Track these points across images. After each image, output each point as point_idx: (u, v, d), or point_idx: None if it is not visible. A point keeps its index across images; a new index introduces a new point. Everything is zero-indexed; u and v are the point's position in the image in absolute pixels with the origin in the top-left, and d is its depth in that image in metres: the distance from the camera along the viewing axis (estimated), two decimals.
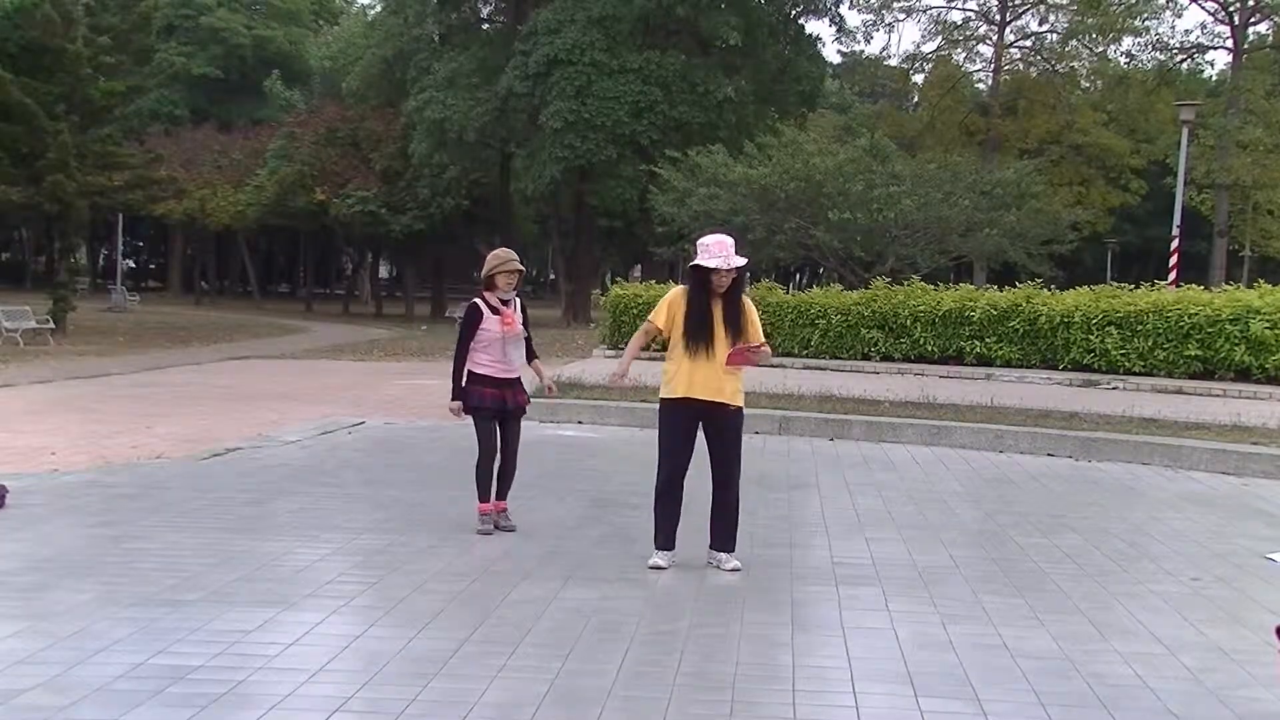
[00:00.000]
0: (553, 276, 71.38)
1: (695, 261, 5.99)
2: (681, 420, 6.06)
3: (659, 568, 6.05)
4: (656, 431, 6.24)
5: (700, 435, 6.15)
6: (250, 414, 12.62)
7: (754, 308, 6.16)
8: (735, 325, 5.96)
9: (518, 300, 7.01)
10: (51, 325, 26.44)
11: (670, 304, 6.11)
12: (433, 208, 42.99)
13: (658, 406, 6.23)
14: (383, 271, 72.90)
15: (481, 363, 6.89)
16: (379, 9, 49.66)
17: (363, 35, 50.98)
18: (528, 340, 7.02)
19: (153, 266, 77.92)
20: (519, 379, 7.03)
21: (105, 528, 6.67)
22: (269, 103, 57.40)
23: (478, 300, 6.94)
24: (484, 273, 6.93)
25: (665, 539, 6.16)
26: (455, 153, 40.33)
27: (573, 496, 8.13)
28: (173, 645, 4.58)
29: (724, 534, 6.16)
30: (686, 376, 5.99)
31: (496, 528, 6.90)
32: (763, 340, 6.10)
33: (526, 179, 39.59)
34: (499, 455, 6.94)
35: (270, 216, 47.77)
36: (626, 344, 6.41)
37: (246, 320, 40.28)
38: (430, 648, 4.66)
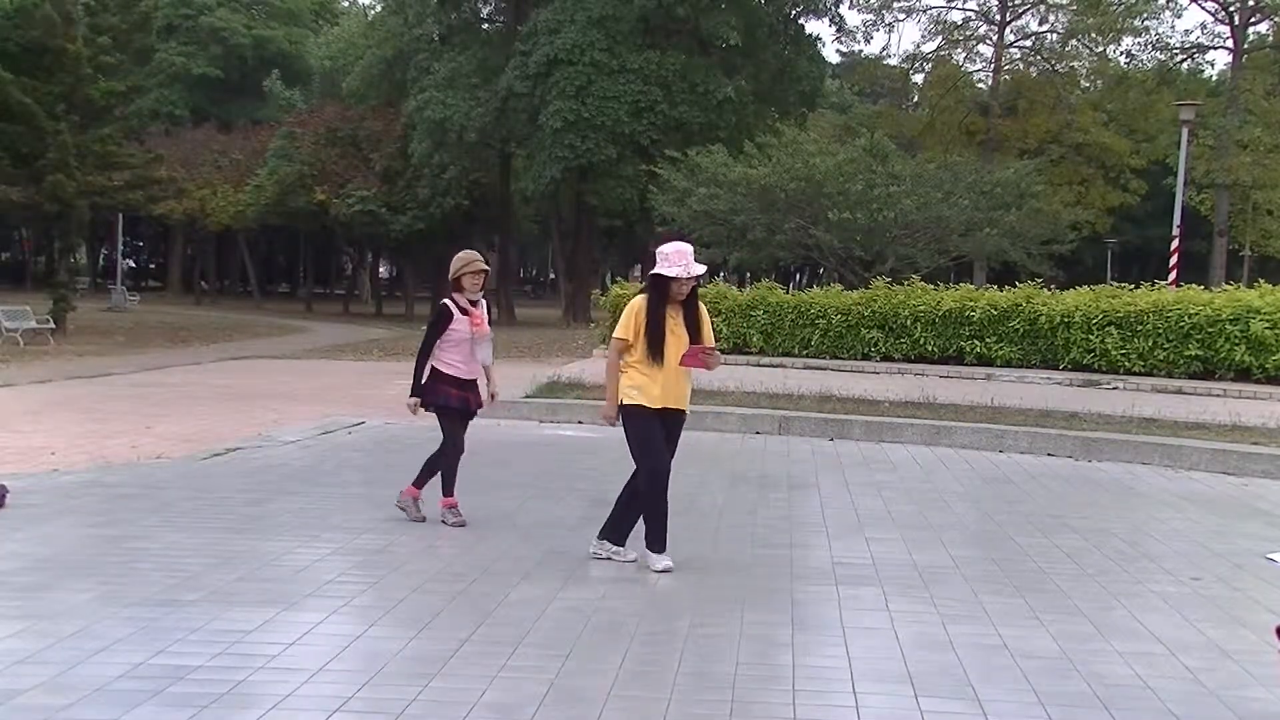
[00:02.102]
0: (553, 276, 71.38)
1: (656, 271, 6.09)
2: (657, 422, 6.11)
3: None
4: (628, 436, 6.17)
5: None
6: (250, 414, 12.62)
7: (707, 312, 6.34)
8: (694, 330, 6.14)
9: (484, 301, 7.21)
10: (51, 325, 26.44)
11: (635, 315, 6.13)
12: (433, 207, 42.96)
13: (624, 413, 6.14)
14: (383, 271, 72.87)
15: (449, 362, 7.07)
16: (379, 9, 49.68)
17: (363, 35, 50.95)
18: None
19: (153, 266, 77.96)
20: (477, 380, 7.21)
21: (105, 528, 6.67)
22: (269, 103, 57.36)
23: (448, 301, 7.13)
24: (451, 275, 7.12)
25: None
26: (455, 153, 40.32)
27: (572, 496, 8.13)
28: (173, 645, 4.58)
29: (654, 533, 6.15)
30: (657, 384, 6.06)
31: (443, 522, 6.99)
32: (713, 344, 6.26)
33: (526, 179, 39.59)
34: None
35: (270, 216, 47.76)
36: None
37: (246, 320, 40.28)
38: (430, 648, 4.66)
